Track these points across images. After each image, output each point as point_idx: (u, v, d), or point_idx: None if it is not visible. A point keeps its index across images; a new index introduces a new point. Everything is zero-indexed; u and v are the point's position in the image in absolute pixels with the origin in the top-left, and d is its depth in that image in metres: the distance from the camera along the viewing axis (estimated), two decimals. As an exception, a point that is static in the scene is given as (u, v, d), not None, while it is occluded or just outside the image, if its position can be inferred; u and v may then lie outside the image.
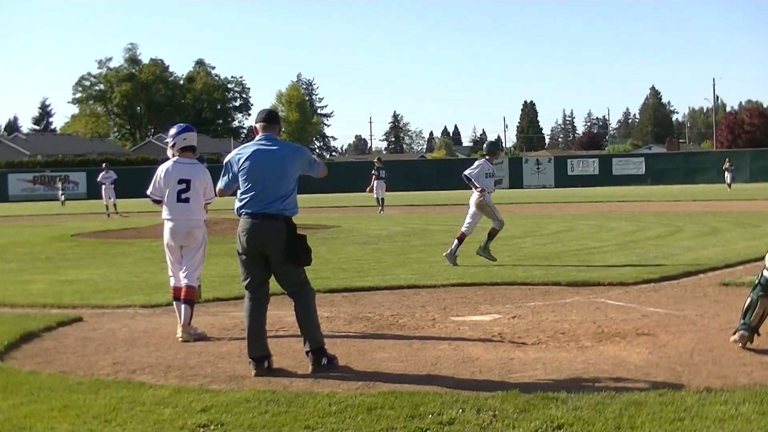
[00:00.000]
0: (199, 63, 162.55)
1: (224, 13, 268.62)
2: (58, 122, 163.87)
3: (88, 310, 12.96)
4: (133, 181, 70.24)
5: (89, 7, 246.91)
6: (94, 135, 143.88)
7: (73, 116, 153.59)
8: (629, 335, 10.16)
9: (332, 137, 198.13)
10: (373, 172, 42.99)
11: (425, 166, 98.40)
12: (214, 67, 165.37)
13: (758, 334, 9.27)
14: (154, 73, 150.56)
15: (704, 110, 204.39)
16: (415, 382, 8.16)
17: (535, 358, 9.09)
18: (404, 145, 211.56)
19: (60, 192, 66.79)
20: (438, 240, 23.66)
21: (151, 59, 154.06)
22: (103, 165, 47.88)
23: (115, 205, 44.24)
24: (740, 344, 9.23)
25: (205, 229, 11.40)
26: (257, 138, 9.23)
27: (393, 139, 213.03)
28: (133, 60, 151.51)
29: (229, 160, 9.23)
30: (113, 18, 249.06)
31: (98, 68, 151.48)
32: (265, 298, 9.15)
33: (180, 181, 11.04)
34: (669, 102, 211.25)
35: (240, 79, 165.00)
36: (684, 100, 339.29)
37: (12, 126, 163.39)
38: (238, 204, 9.05)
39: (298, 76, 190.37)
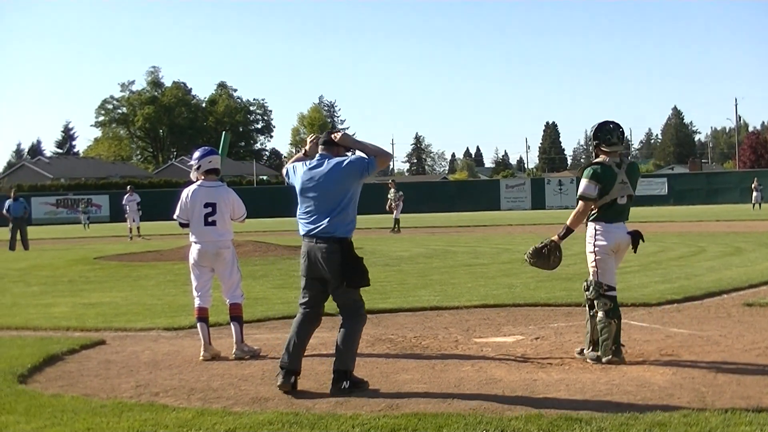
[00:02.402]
0: (221, 86, 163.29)
1: (246, 36, 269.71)
2: (81, 145, 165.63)
3: (111, 333, 12.98)
4: (156, 203, 70.57)
5: (112, 31, 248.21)
6: (117, 158, 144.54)
7: (95, 139, 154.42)
8: (653, 356, 10.11)
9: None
10: (389, 195, 43.25)
11: (447, 188, 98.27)
12: (236, 90, 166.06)
13: None
14: (176, 95, 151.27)
15: (726, 130, 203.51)
16: (439, 403, 8.13)
17: (558, 379, 9.05)
18: (426, 167, 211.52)
19: (83, 215, 67.08)
20: (460, 261, 23.62)
21: (174, 82, 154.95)
22: (128, 188, 47.99)
23: (138, 228, 44.33)
24: None
25: (233, 248, 11.45)
26: (316, 158, 9.18)
27: (415, 161, 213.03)
28: (155, 83, 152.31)
29: (288, 182, 9.38)
30: (136, 41, 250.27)
31: (121, 91, 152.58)
32: (316, 317, 9.22)
33: (206, 205, 11.12)
34: (691, 122, 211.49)
35: (262, 102, 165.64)
36: (706, 120, 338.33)
37: (35, 149, 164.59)
38: (298, 225, 9.17)
39: (320, 98, 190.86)
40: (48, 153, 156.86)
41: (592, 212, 9.89)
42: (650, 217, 49.82)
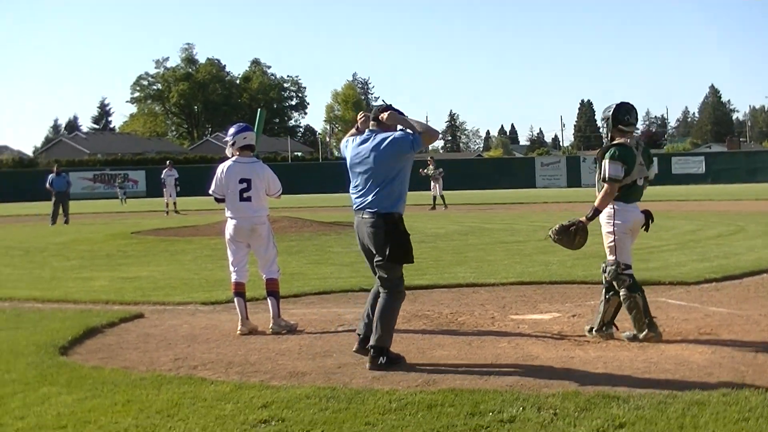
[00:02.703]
0: (255, 62, 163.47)
1: (280, 13, 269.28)
2: (116, 121, 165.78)
3: (149, 307, 13.08)
4: (191, 179, 70.74)
5: (146, 8, 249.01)
6: (152, 134, 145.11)
7: (131, 115, 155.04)
8: (691, 335, 10.07)
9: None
10: (428, 171, 42.99)
11: (482, 165, 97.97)
12: (269, 67, 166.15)
13: None
14: (210, 72, 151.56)
15: (765, 108, 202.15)
16: (475, 379, 8.15)
17: (595, 356, 9.04)
18: (461, 144, 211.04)
19: (119, 190, 67.40)
20: (496, 238, 23.59)
21: (208, 59, 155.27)
22: (167, 163, 48.11)
23: (175, 203, 44.47)
24: None
25: (269, 224, 11.51)
26: (365, 134, 9.30)
27: (450, 138, 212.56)
28: (189, 60, 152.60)
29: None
30: (170, 18, 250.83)
31: (156, 68, 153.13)
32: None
33: (241, 181, 11.18)
34: (729, 101, 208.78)
35: (296, 79, 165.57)
36: (744, 99, 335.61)
37: (72, 125, 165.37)
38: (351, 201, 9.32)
39: (354, 75, 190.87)
40: (85, 129, 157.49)
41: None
42: (688, 196, 49.62)
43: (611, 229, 9.94)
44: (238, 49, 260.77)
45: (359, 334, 9.28)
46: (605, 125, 10.09)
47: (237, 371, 8.79)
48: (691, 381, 7.88)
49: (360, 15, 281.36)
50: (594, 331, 10.02)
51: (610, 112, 9.98)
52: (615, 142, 9.97)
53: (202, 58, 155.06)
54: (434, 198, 42.83)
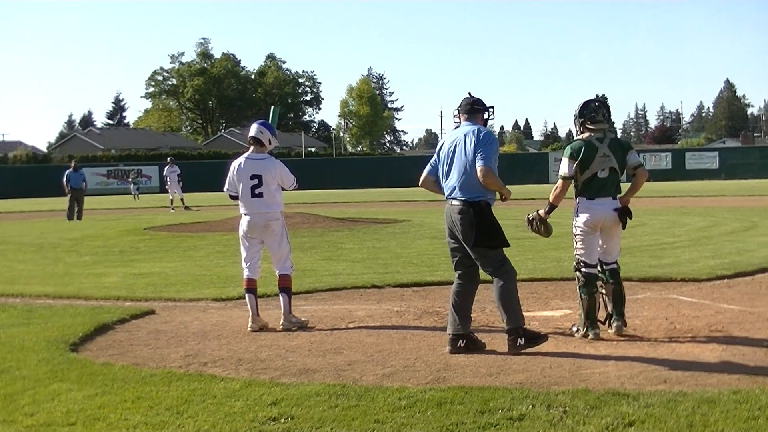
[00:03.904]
0: (270, 57, 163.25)
1: (295, 8, 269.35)
2: (131, 117, 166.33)
3: (161, 303, 13.10)
4: (205, 175, 70.81)
5: (162, 3, 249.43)
6: (167, 129, 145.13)
7: (145, 111, 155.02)
8: (702, 332, 10.05)
9: (402, 131, 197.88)
10: None
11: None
12: (285, 62, 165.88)
13: None
14: (225, 67, 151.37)
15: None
16: (485, 377, 8.15)
17: (605, 354, 9.02)
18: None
19: (133, 186, 67.50)
20: (508, 234, 23.35)
21: (223, 54, 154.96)
22: (168, 159, 48.25)
23: (182, 200, 44.37)
24: None
25: (283, 220, 11.50)
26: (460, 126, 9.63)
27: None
28: (205, 54, 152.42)
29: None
30: (186, 13, 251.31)
31: (170, 63, 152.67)
32: (469, 281, 9.54)
33: (252, 177, 11.21)
34: (744, 95, 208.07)
35: (311, 74, 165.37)
36: (759, 94, 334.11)
37: (87, 121, 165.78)
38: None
39: (369, 70, 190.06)
40: (99, 124, 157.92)
41: (577, 187, 10.01)
42: (701, 192, 49.46)
43: (573, 225, 10.13)
44: (253, 44, 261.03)
45: (449, 334, 9.39)
46: (576, 122, 10.19)
47: (247, 368, 8.80)
48: (702, 379, 7.87)
49: (375, 10, 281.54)
50: (576, 329, 10.10)
51: (577, 110, 10.06)
52: (576, 138, 10.22)
53: (217, 53, 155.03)
54: None
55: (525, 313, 11.17)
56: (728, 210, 32.85)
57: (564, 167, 9.92)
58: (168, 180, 45.14)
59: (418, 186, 9.95)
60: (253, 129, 11.43)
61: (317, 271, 16.47)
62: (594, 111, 10.01)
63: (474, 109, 9.65)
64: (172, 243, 23.90)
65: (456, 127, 9.66)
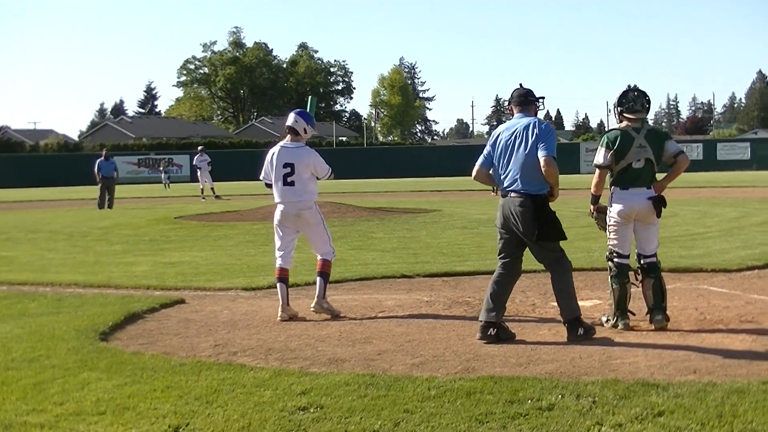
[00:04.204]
0: (302, 46, 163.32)
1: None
2: (162, 105, 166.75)
3: (190, 292, 13.14)
4: (236, 164, 70.96)
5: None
6: (198, 118, 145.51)
7: (177, 99, 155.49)
8: (732, 322, 10.00)
9: (434, 121, 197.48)
10: None
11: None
12: (317, 51, 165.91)
13: None
14: (257, 56, 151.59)
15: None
16: (514, 367, 8.13)
17: (635, 344, 8.99)
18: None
19: (164, 175, 67.74)
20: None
21: (255, 43, 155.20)
22: (199, 148, 48.46)
23: (212, 189, 44.41)
24: None
25: (317, 209, 11.47)
26: (514, 117, 9.77)
27: (495, 123, 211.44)
28: (237, 43, 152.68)
29: (489, 138, 9.83)
30: (218, 2, 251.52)
31: (202, 52, 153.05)
32: (512, 272, 9.61)
33: (285, 165, 11.22)
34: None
35: (343, 63, 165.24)
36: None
37: (118, 109, 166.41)
38: (497, 182, 9.62)
39: (401, 59, 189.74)
40: (130, 113, 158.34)
41: (612, 176, 10.00)
42: (732, 182, 49.15)
43: (607, 215, 10.12)
44: (285, 34, 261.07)
45: (480, 320, 9.43)
46: (614, 111, 10.14)
47: (277, 357, 8.81)
48: (731, 369, 7.83)
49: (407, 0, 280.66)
50: (608, 319, 10.07)
51: (615, 99, 10.05)
52: (613, 127, 10.23)
53: (249, 42, 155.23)
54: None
55: (555, 303, 11.18)
56: (759, 201, 32.65)
57: (599, 156, 9.92)
58: (199, 169, 45.23)
59: (472, 178, 9.93)
60: (290, 118, 11.45)
61: (347, 260, 16.47)
62: (633, 101, 9.97)
63: (527, 101, 9.74)
64: (202, 232, 23.99)
65: (511, 122, 9.70)
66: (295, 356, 8.85)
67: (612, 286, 9.95)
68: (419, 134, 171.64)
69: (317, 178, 11.40)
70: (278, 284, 11.22)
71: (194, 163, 46.48)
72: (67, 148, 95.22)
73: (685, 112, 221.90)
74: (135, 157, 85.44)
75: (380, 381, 7.54)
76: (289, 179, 11.23)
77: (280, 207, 11.35)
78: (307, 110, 12.22)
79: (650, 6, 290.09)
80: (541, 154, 9.22)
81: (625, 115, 9.97)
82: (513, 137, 9.44)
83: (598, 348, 8.84)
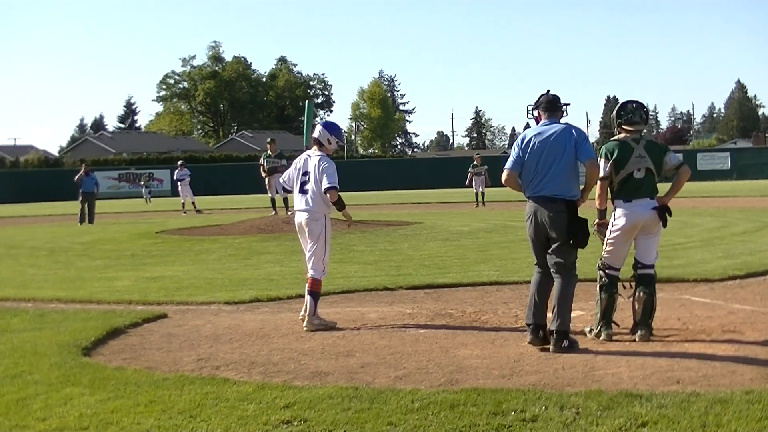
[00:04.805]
0: (282, 60, 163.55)
1: (306, 11, 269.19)
2: (142, 120, 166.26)
3: (173, 307, 13.11)
4: (217, 178, 70.84)
5: (174, 6, 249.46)
6: (178, 132, 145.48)
7: (157, 114, 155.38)
8: (715, 333, 10.03)
9: (414, 133, 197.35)
10: (470, 169, 43.86)
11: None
12: (296, 65, 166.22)
13: None
14: (237, 70, 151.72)
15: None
16: (498, 379, 8.14)
17: (618, 354, 9.01)
18: (486, 141, 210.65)
19: (144, 189, 67.65)
20: (520, 236, 23.42)
21: (234, 57, 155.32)
22: (179, 163, 48.40)
23: (193, 203, 44.34)
24: None
25: (325, 222, 11.42)
26: (541, 123, 9.74)
27: (475, 135, 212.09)
28: (216, 58, 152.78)
29: (516, 142, 9.81)
30: (197, 16, 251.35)
31: (182, 66, 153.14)
32: (548, 276, 9.61)
33: (304, 173, 11.37)
34: (755, 96, 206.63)
35: (322, 76, 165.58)
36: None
37: (98, 124, 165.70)
38: (523, 187, 9.68)
39: (380, 72, 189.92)
40: (110, 128, 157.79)
41: (613, 189, 10.02)
42: (712, 192, 49.30)
43: (609, 228, 10.15)
44: (264, 48, 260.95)
45: (529, 324, 9.52)
46: (613, 123, 10.24)
47: (260, 371, 8.80)
48: (715, 379, 7.87)
49: (386, 12, 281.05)
50: (591, 330, 10.11)
51: (615, 111, 10.15)
52: (612, 138, 10.26)
53: (228, 57, 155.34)
54: (476, 195, 43.10)
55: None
56: (740, 210, 32.80)
57: (599, 168, 9.93)
58: (180, 183, 45.20)
59: (503, 184, 10.00)
60: (316, 129, 11.61)
61: (329, 273, 16.30)
62: (631, 112, 10.05)
63: (556, 107, 9.80)
64: (184, 246, 23.93)
65: (542, 127, 9.69)
66: (278, 370, 8.84)
67: (600, 295, 9.97)
68: (400, 147, 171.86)
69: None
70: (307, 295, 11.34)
71: (175, 177, 46.43)
72: (47, 163, 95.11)
73: (665, 123, 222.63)
74: (116, 172, 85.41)
75: (364, 394, 7.55)
76: (305, 187, 11.33)
77: (295, 214, 11.52)
78: (305, 115, 12.27)
79: (628, 18, 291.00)
80: (584, 158, 9.42)
81: (624, 126, 10.04)
82: (548, 142, 9.49)
83: (581, 359, 8.87)
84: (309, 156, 11.44)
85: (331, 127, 11.64)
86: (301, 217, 11.33)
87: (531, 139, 9.60)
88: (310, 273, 11.37)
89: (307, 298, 11.23)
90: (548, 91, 9.88)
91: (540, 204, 9.46)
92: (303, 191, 11.31)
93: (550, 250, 9.51)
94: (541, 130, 9.62)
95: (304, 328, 11.05)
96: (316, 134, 11.52)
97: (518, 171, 9.68)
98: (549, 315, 9.47)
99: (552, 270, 9.54)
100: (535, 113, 9.92)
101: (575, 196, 9.45)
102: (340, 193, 11.27)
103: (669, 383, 7.74)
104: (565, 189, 9.39)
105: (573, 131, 9.55)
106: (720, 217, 29.02)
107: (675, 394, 7.19)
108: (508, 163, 9.73)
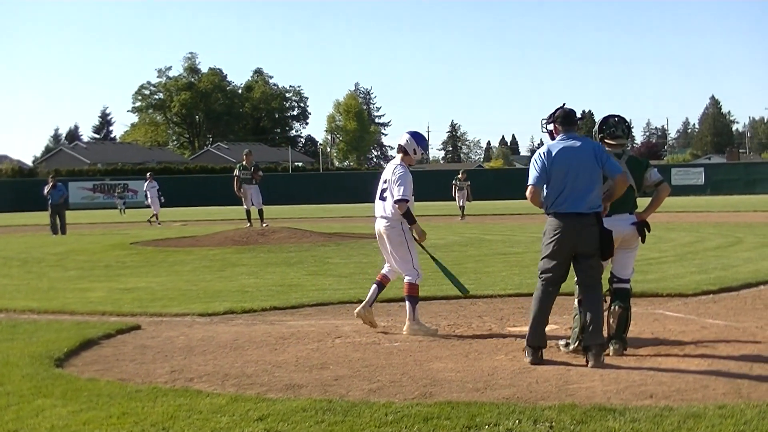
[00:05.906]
0: (258, 72, 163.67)
1: (282, 23, 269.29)
2: (117, 131, 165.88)
3: (147, 318, 13.06)
4: (192, 189, 70.65)
5: (150, 17, 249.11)
6: (154, 144, 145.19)
7: (132, 125, 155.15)
8: (688, 347, 10.06)
9: (390, 146, 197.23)
10: (454, 182, 44.81)
11: (483, 176, 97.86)
12: (272, 77, 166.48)
13: None
14: (212, 82, 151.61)
15: (765, 120, 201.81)
16: (472, 392, 8.14)
17: (592, 369, 9.02)
18: (462, 155, 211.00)
19: (119, 200, 67.44)
20: (495, 250, 23.58)
21: (210, 68, 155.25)
22: (148, 175, 48.47)
23: (156, 214, 44.53)
24: None
25: (403, 228, 11.53)
26: (559, 137, 9.61)
27: (450, 149, 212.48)
28: (192, 69, 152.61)
29: (535, 158, 9.62)
30: (173, 27, 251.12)
31: (158, 77, 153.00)
32: (556, 292, 9.60)
33: (384, 181, 11.49)
34: (729, 112, 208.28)
35: (298, 89, 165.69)
36: (744, 110, 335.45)
37: (73, 135, 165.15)
38: (548, 202, 9.48)
39: (356, 85, 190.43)
40: (85, 138, 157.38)
41: None
42: (686, 207, 49.48)
43: None
44: (240, 59, 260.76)
45: (531, 346, 9.47)
46: (595, 138, 10.21)
47: (233, 383, 8.77)
48: (687, 394, 7.88)
49: (362, 25, 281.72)
50: (566, 343, 10.12)
51: (597, 126, 10.13)
52: None
53: (204, 68, 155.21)
54: (461, 208, 43.42)
55: (512, 328, 11.26)
56: (713, 225, 32.96)
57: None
58: (148, 195, 45.27)
59: (528, 200, 9.76)
60: (402, 137, 11.72)
61: (304, 286, 16.45)
62: (614, 126, 10.07)
63: (573, 120, 9.73)
64: (158, 258, 23.84)
65: (567, 142, 9.57)
66: (252, 382, 8.81)
67: (579, 310, 9.93)
68: (375, 159, 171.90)
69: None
70: (374, 285, 11.63)
71: (144, 189, 46.49)
72: (21, 173, 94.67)
73: (639, 137, 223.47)
74: (90, 182, 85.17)
75: (337, 406, 7.52)
76: (383, 194, 11.48)
77: (375, 221, 11.65)
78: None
79: (603, 32, 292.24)
80: (614, 173, 9.41)
81: (606, 141, 10.03)
82: (575, 157, 9.38)
83: (554, 372, 8.88)
84: (395, 163, 11.57)
85: (419, 138, 11.72)
86: (379, 225, 11.50)
87: (556, 153, 9.44)
88: (406, 278, 11.50)
89: (407, 304, 11.40)
90: (564, 104, 9.83)
91: (572, 219, 9.31)
92: (382, 197, 11.48)
93: (579, 265, 9.45)
94: (565, 145, 9.47)
95: (404, 333, 11.23)
96: (402, 142, 11.61)
97: (543, 185, 9.50)
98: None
99: (583, 285, 9.53)
100: (550, 127, 9.83)
101: (601, 208, 9.43)
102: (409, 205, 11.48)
103: (642, 397, 7.76)
104: (597, 203, 9.36)
105: (599, 147, 9.57)
106: (694, 232, 29.17)
107: (648, 409, 7.20)
108: (532, 179, 9.49)
